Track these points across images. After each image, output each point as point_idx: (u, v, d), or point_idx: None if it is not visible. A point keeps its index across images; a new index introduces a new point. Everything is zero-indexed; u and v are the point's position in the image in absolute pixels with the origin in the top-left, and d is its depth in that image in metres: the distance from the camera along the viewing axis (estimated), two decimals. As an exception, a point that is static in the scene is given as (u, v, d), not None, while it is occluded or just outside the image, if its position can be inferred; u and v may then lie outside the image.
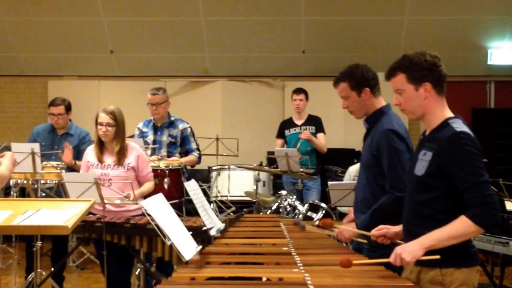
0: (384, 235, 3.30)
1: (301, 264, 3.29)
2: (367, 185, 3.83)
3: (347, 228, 3.84)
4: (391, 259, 2.96)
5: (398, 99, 3.09)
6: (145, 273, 6.27)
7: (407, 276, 3.08)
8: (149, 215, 3.35)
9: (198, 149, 6.70)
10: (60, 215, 4.08)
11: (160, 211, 3.37)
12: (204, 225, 3.90)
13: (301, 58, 10.07)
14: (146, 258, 5.78)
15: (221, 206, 7.26)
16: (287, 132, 7.70)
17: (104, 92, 10.09)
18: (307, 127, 7.59)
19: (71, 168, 6.17)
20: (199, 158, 6.70)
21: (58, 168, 6.19)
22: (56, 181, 6.14)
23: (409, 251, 2.89)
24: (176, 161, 6.38)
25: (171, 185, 6.18)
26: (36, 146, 5.94)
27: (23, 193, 6.60)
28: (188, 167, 6.93)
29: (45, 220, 4.02)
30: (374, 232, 3.32)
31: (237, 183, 7.45)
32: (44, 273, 6.20)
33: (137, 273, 5.87)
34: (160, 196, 3.50)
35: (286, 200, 6.67)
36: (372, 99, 3.88)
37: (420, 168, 2.98)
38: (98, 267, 7.51)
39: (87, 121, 7.34)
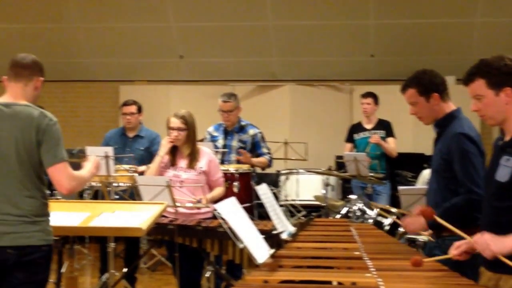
0: (466, 251, 3.18)
1: (373, 269, 3.26)
2: (439, 190, 3.78)
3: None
4: (476, 240, 2.87)
5: (476, 105, 3.02)
6: (215, 276, 6.35)
7: (484, 284, 3.01)
8: (222, 218, 3.39)
9: (269, 153, 6.73)
10: (134, 217, 4.19)
11: (233, 214, 3.40)
12: (276, 229, 3.92)
13: (370, 62, 10.00)
14: (216, 260, 5.85)
15: (291, 210, 7.28)
16: (356, 136, 7.66)
17: (174, 97, 10.23)
18: (377, 131, 7.53)
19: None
20: (270, 161, 6.72)
21: (130, 171, 6.32)
22: (129, 184, 6.27)
23: (499, 243, 2.80)
24: (248, 160, 6.40)
25: (241, 189, 6.22)
26: (110, 150, 6.09)
27: (96, 195, 6.76)
28: (258, 171, 6.97)
29: (120, 222, 4.14)
30: (454, 251, 3.19)
31: (305, 187, 7.46)
32: (117, 273, 6.33)
33: (207, 275, 5.93)
34: (233, 200, 3.54)
35: (355, 204, 6.63)
36: (441, 104, 3.83)
37: (503, 174, 2.91)
38: (169, 269, 7.63)
39: (157, 125, 7.48)
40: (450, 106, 3.87)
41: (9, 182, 3.47)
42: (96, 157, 3.87)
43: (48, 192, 3.66)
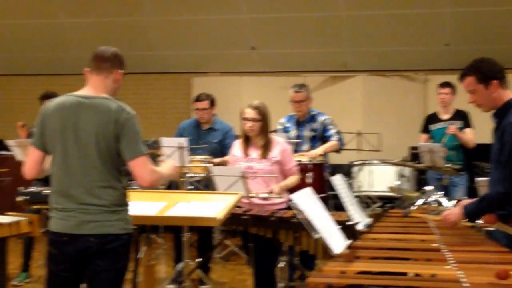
0: None
1: (453, 261, 3.21)
2: (498, 180, 3.73)
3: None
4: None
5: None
6: (288, 266, 6.35)
7: None
8: (297, 208, 3.38)
9: (338, 133, 6.64)
10: (210, 207, 4.23)
11: (309, 205, 3.39)
12: (351, 220, 3.89)
13: (445, 51, 9.79)
14: (289, 251, 5.85)
15: (365, 201, 7.21)
16: (431, 127, 7.51)
17: (246, 88, 10.27)
18: (454, 121, 7.37)
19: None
20: (340, 140, 6.64)
21: (204, 162, 6.39)
22: (203, 174, 6.33)
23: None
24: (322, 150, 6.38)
25: (314, 180, 6.19)
26: (184, 141, 6.16)
27: (169, 186, 6.84)
28: (330, 161, 6.92)
29: (196, 212, 4.18)
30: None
31: (379, 178, 7.37)
32: (191, 263, 6.41)
33: (280, 265, 5.94)
34: (308, 190, 3.53)
35: (431, 196, 6.51)
36: (500, 91, 3.82)
37: None
38: (242, 259, 7.69)
39: (230, 117, 7.53)
40: (509, 94, 3.86)
41: (89, 174, 3.54)
42: (174, 162, 3.90)
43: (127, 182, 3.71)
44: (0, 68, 10.99)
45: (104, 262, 3.53)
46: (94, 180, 3.53)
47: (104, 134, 3.51)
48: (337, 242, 3.31)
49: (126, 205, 3.64)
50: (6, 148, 9.59)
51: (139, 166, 3.53)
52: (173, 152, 6.06)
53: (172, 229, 6.72)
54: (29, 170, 3.71)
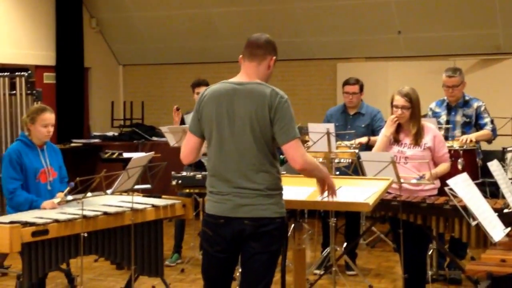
0: None
1: None
2: None
3: None
4: None
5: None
6: (437, 254, 6.22)
7: None
8: (453, 194, 3.30)
9: (492, 122, 6.42)
10: (360, 192, 4.21)
11: (466, 190, 3.30)
12: (509, 207, 3.74)
13: None
14: (439, 238, 5.72)
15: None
16: None
17: (392, 73, 10.09)
18: None
19: (366, 147, 6.33)
20: (494, 131, 6.42)
21: (351, 148, 6.37)
22: (350, 160, 6.31)
23: None
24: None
25: (466, 166, 6.00)
26: (331, 127, 6.16)
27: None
28: (483, 147, 6.69)
29: (346, 197, 4.18)
30: None
31: (536, 165, 7.01)
32: (338, 248, 6.43)
33: (429, 253, 5.83)
34: (464, 176, 3.43)
35: None
36: None
37: None
38: (388, 246, 7.61)
39: (375, 102, 7.43)
40: None
41: (245, 158, 3.62)
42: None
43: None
44: (153, 58, 11.46)
45: (258, 244, 3.61)
46: (249, 164, 3.61)
47: (259, 119, 3.58)
48: (496, 230, 3.20)
49: (280, 189, 3.70)
50: (157, 134, 10.06)
51: (293, 149, 3.57)
52: (320, 138, 6.08)
53: (317, 214, 6.76)
54: (186, 156, 3.84)
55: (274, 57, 3.75)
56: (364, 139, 6.48)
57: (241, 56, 3.77)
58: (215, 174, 3.70)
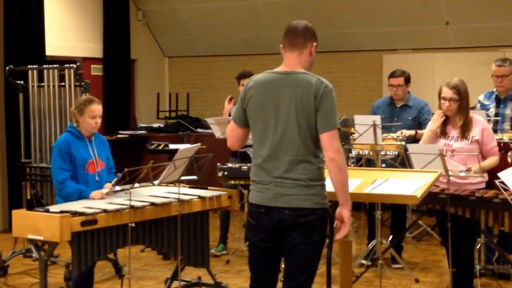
0: None
1: None
2: None
3: None
4: None
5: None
6: (485, 248, 6.14)
7: None
8: (504, 188, 3.24)
9: None
10: (407, 185, 4.17)
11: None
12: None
13: None
14: (487, 232, 5.64)
15: None
16: None
17: (439, 65, 9.96)
18: None
19: (413, 139, 6.27)
20: None
21: (398, 140, 6.31)
22: (396, 152, 6.26)
23: None
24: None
25: (515, 159, 5.89)
26: (377, 119, 6.12)
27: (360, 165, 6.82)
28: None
29: (393, 189, 4.14)
30: None
31: None
32: (383, 241, 6.39)
33: (477, 247, 5.75)
34: (516, 169, 3.37)
35: None
36: None
37: None
38: (434, 239, 7.54)
39: (422, 94, 7.36)
40: None
41: (287, 148, 3.62)
42: None
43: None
44: (198, 50, 11.51)
45: (299, 235, 3.60)
46: (291, 154, 3.60)
47: (304, 108, 3.57)
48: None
49: (322, 180, 3.68)
50: (203, 126, 10.11)
51: (329, 138, 3.55)
52: (366, 130, 6.05)
53: (361, 207, 6.73)
54: (233, 144, 3.90)
55: (315, 43, 3.73)
56: (411, 132, 6.41)
57: (281, 45, 3.75)
58: (257, 163, 3.71)
